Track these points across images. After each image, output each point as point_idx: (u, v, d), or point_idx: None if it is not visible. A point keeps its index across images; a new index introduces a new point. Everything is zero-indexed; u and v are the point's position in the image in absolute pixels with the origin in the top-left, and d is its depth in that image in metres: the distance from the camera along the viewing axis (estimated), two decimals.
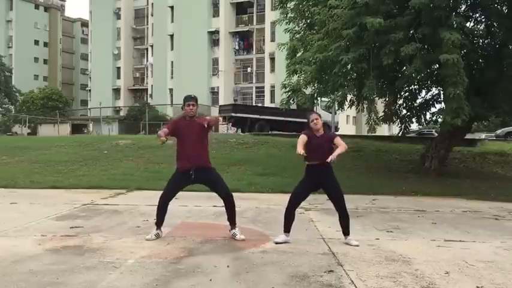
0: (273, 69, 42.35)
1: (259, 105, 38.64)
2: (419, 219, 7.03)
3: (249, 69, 46.02)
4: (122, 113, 48.35)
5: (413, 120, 13.00)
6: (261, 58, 44.89)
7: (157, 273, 3.96)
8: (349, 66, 10.44)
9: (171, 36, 48.51)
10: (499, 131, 27.70)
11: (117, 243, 5.00)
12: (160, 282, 3.73)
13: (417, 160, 13.33)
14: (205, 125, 5.14)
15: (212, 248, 4.89)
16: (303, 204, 5.68)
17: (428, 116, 12.91)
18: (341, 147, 5.03)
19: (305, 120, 5.31)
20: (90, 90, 60.24)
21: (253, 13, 45.92)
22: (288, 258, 4.53)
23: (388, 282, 3.85)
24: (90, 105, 56.01)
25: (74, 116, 53.91)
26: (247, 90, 45.95)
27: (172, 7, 48.27)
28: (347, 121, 45.09)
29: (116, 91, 57.84)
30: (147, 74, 55.92)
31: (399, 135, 13.78)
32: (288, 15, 12.93)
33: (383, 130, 30.21)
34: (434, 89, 12.54)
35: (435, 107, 12.65)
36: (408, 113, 12.88)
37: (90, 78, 60.47)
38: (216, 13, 46.72)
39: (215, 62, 46.62)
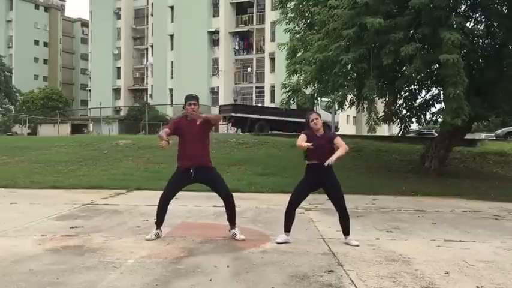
0: (273, 69, 42.37)
1: (259, 105, 38.64)
2: (419, 219, 7.03)
3: (249, 69, 46.03)
4: (122, 113, 48.37)
5: (413, 120, 13.00)
6: (261, 58, 44.90)
7: (157, 273, 3.95)
8: (349, 66, 10.44)
9: (171, 36, 48.52)
10: (499, 131, 27.71)
11: (117, 243, 5.00)
12: (160, 282, 3.73)
13: (417, 160, 13.33)
14: (198, 122, 5.12)
15: (212, 248, 4.89)
16: (303, 204, 5.68)
17: (428, 116, 12.92)
18: (342, 148, 4.99)
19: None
20: (90, 90, 60.25)
21: (253, 13, 45.93)
22: (288, 258, 4.53)
23: (388, 282, 3.85)
24: (90, 105, 56.03)
25: (74, 116, 53.93)
26: (247, 90, 45.96)
27: (172, 7, 48.28)
28: (347, 121, 45.10)
29: (116, 91, 57.85)
30: (147, 74, 55.93)
31: (399, 135, 13.77)
32: (288, 15, 12.93)
33: (383, 130, 30.21)
34: (434, 89, 12.56)
35: (435, 107, 12.68)
36: (408, 113, 12.88)
37: (90, 78, 60.48)
38: (216, 13, 46.74)
39: (215, 62, 46.64)
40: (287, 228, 5.21)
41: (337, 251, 4.81)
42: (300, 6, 12.37)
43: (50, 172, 11.62)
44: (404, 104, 12.96)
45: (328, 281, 3.83)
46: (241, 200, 7.39)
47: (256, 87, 45.27)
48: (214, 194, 5.44)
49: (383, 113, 13.35)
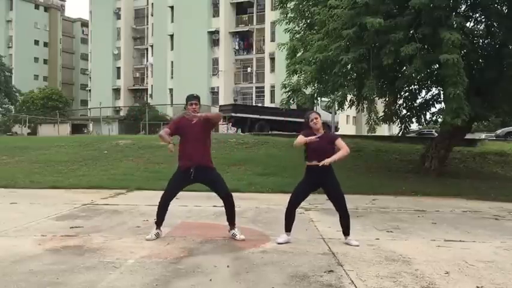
0: (273, 69, 42.38)
1: (259, 105, 38.65)
2: (419, 219, 7.02)
3: (249, 69, 46.04)
4: (122, 113, 48.38)
5: (413, 120, 13.00)
6: (261, 58, 44.91)
7: (157, 273, 3.95)
8: (349, 66, 10.44)
9: (171, 36, 48.53)
10: (499, 131, 27.72)
11: (117, 243, 5.00)
12: (160, 282, 3.73)
13: (417, 160, 13.33)
14: (194, 121, 5.09)
15: (212, 248, 4.89)
16: (303, 204, 5.68)
17: (428, 116, 12.92)
18: (343, 150, 4.97)
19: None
20: (90, 90, 60.27)
21: (253, 13, 45.94)
22: (288, 258, 4.53)
23: (388, 282, 3.85)
24: (90, 105, 56.04)
25: (74, 116, 53.94)
26: (247, 90, 45.96)
27: (172, 7, 48.29)
28: (347, 121, 45.11)
29: (116, 91, 57.87)
30: (147, 74, 55.95)
31: (399, 135, 13.77)
32: (288, 15, 12.93)
33: (383, 130, 30.22)
34: (434, 89, 12.56)
35: (435, 107, 12.68)
36: (408, 113, 12.88)
37: (90, 78, 60.49)
38: (216, 13, 46.75)
39: (215, 62, 46.65)
40: (288, 228, 5.20)
41: (337, 251, 4.80)
42: (300, 6, 12.37)
43: (50, 172, 11.62)
44: (404, 104, 12.96)
45: (328, 281, 3.83)
46: (241, 200, 7.39)
47: (256, 87, 45.28)
48: (215, 194, 5.43)
49: (383, 113, 13.35)
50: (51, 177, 10.98)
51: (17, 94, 51.13)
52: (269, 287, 3.69)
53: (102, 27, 57.14)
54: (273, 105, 34.27)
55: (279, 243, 5.07)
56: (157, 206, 5.34)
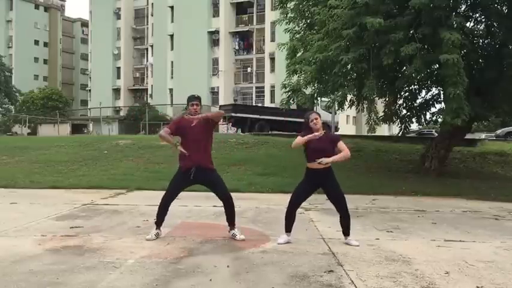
0: (273, 69, 42.38)
1: (259, 105, 38.64)
2: (419, 219, 7.02)
3: (249, 69, 46.04)
4: (122, 113, 48.36)
5: (413, 120, 13.00)
6: (261, 58, 44.91)
7: (157, 273, 3.96)
8: (349, 66, 10.44)
9: (171, 36, 48.53)
10: (499, 131, 27.72)
11: (117, 243, 5.00)
12: (160, 282, 3.73)
13: (417, 160, 13.33)
14: (194, 123, 5.06)
15: (212, 248, 4.89)
16: (303, 204, 5.67)
17: (428, 116, 12.92)
18: (344, 153, 4.95)
19: None
20: (90, 90, 60.27)
21: (253, 13, 45.94)
22: (288, 258, 4.53)
23: (388, 282, 3.85)
24: (90, 105, 56.04)
25: (74, 116, 53.92)
26: (247, 90, 45.96)
27: (172, 7, 48.29)
28: (347, 121, 45.11)
29: (116, 91, 57.87)
30: (147, 74, 55.94)
31: (399, 135, 13.77)
32: (288, 15, 12.93)
33: (383, 130, 30.22)
34: (434, 89, 12.56)
35: (435, 107, 12.68)
36: (408, 113, 12.88)
37: (90, 78, 60.50)
38: (216, 13, 46.75)
39: (215, 62, 46.65)
40: (288, 229, 5.20)
41: (337, 251, 4.81)
42: (300, 6, 12.37)
43: (50, 172, 11.62)
44: (404, 104, 12.96)
45: (328, 281, 3.83)
46: (241, 200, 7.39)
47: (256, 87, 45.28)
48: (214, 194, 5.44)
49: (383, 113, 13.35)
50: (51, 177, 10.98)
51: (17, 94, 51.13)
52: (269, 287, 3.69)
53: (102, 27, 57.14)
54: (273, 105, 34.27)
55: (279, 244, 5.07)
56: (157, 206, 5.34)
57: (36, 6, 72.44)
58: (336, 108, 14.58)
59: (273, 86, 41.19)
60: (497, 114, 13.77)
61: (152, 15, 52.78)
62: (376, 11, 9.44)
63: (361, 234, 5.63)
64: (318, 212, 7.27)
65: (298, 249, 4.88)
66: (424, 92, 12.72)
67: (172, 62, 48.55)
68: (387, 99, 12.87)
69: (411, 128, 14.83)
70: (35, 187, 9.90)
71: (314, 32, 11.36)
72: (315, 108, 15.81)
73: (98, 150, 14.25)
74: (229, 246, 4.99)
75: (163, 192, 5.38)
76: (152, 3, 52.78)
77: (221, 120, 23.54)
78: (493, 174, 13.26)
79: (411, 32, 9.80)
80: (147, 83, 55.30)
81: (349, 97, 12.17)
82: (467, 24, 10.94)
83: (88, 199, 8.23)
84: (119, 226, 5.98)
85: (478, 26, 11.82)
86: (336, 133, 20.30)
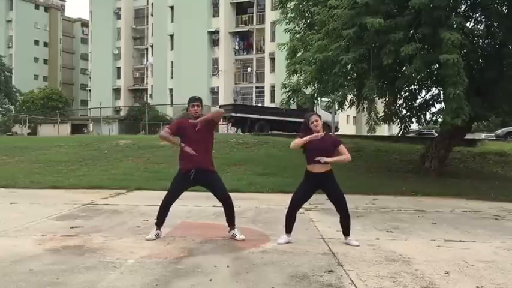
0: (273, 69, 42.37)
1: (259, 105, 38.64)
2: (419, 219, 7.02)
3: (249, 69, 46.04)
4: (122, 113, 48.34)
5: (413, 120, 13.00)
6: (261, 58, 44.90)
7: (157, 273, 3.96)
8: (349, 66, 10.44)
9: (171, 36, 48.53)
10: (499, 131, 27.72)
11: (117, 243, 5.00)
12: (160, 282, 3.73)
13: (417, 160, 13.33)
14: (199, 126, 5.05)
15: (212, 248, 4.89)
16: None
17: (428, 116, 12.92)
18: (345, 156, 4.98)
19: None
20: (90, 90, 60.26)
21: (253, 13, 45.94)
22: (288, 258, 4.53)
23: (388, 282, 3.85)
24: (90, 105, 56.02)
25: (74, 116, 53.91)
26: (247, 90, 45.96)
27: (172, 7, 48.28)
28: (347, 121, 45.10)
29: (116, 91, 57.86)
30: (147, 74, 55.94)
31: (399, 135, 13.77)
32: (288, 15, 12.93)
33: (383, 130, 30.22)
34: (434, 89, 12.56)
35: (435, 107, 12.68)
36: (408, 113, 12.88)
37: (90, 78, 60.49)
38: (216, 13, 46.74)
39: (215, 62, 46.64)
40: (288, 230, 5.20)
41: (337, 251, 4.81)
42: (300, 6, 12.37)
43: (50, 172, 11.62)
44: (404, 104, 12.95)
45: (328, 281, 3.83)
46: (241, 200, 7.40)
47: (256, 87, 45.27)
48: None
49: (383, 113, 13.35)
50: (51, 177, 10.98)
51: (17, 94, 51.11)
52: (269, 287, 3.69)
53: (102, 27, 57.14)
54: (273, 105, 34.26)
55: (279, 244, 5.07)
56: (158, 207, 5.34)
57: (36, 6, 72.44)
58: (336, 108, 14.58)
59: (273, 86, 41.18)
60: (497, 114, 13.77)
61: (152, 15, 52.78)
62: (376, 11, 9.44)
63: (361, 234, 5.63)
64: (318, 212, 7.28)
65: (298, 249, 4.88)
66: (424, 92, 12.74)
67: (172, 62, 48.55)
68: (387, 99, 12.87)
69: (411, 128, 14.83)
70: (35, 187, 9.90)
71: (314, 32, 11.36)
72: (315, 108, 15.83)
73: (98, 150, 14.25)
74: (229, 246, 4.99)
75: (163, 192, 5.38)
76: (152, 3, 52.77)
77: (221, 120, 23.61)
78: (493, 174, 13.26)
79: (411, 32, 9.80)
80: (147, 83, 55.30)
81: (349, 97, 12.17)
82: (467, 24, 10.94)
83: (88, 199, 8.23)
84: (119, 226, 5.98)
85: (478, 26, 11.82)
86: (335, 133, 20.32)
